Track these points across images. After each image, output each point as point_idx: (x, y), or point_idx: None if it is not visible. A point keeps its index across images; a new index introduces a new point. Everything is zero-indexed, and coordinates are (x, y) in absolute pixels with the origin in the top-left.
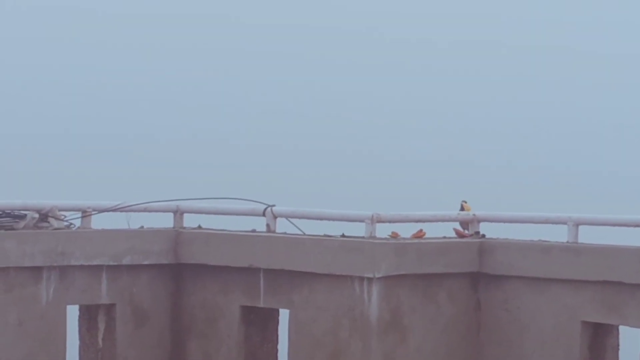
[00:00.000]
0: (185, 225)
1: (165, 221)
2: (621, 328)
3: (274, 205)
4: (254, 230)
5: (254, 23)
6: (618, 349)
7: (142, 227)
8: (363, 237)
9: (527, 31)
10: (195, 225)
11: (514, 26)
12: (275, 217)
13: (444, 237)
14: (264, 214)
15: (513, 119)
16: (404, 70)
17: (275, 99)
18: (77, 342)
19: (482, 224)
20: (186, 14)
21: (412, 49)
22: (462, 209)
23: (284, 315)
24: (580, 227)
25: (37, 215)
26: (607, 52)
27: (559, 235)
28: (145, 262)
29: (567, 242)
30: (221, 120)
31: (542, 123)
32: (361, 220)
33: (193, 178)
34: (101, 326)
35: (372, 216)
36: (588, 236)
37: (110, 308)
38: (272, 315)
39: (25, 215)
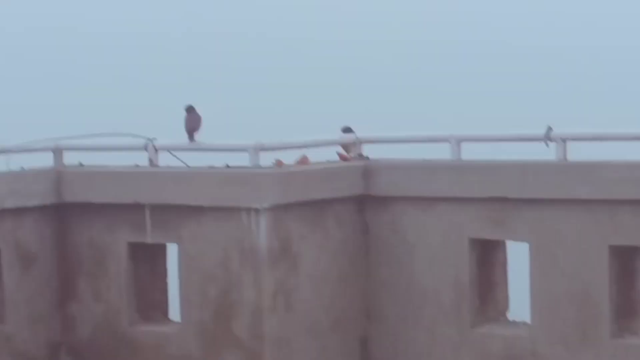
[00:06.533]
0: (66, 164)
1: (46, 161)
2: (508, 243)
3: (155, 139)
4: (137, 166)
5: None
6: (506, 264)
7: (22, 168)
8: (248, 168)
9: None
10: (76, 164)
11: None
12: (157, 150)
13: (328, 162)
14: (145, 149)
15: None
16: None
17: (153, 29)
18: None
19: (365, 146)
20: None
21: None
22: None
23: (173, 250)
24: (464, 144)
25: None
26: None
27: (442, 154)
28: (29, 205)
29: (451, 160)
30: (99, 55)
31: (426, 43)
32: (244, 150)
33: (72, 116)
34: None
35: (255, 145)
36: (471, 153)
37: None
38: (160, 251)
39: None
